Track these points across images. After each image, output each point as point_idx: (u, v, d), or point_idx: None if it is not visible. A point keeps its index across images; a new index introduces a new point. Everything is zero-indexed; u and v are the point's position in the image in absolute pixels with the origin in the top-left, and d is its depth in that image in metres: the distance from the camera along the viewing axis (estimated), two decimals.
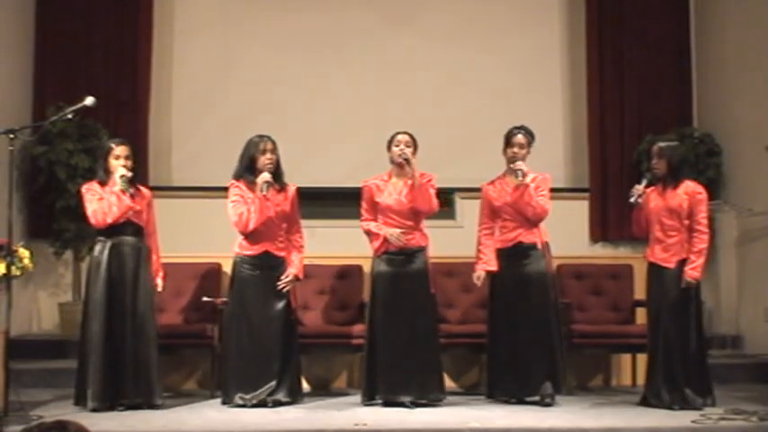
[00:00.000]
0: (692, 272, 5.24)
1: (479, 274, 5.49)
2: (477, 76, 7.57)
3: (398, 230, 5.36)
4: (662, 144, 5.49)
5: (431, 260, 5.62)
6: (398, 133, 5.48)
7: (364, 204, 5.52)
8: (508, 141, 5.48)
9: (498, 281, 5.48)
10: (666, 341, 5.23)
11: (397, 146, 5.43)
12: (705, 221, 5.35)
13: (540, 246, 5.46)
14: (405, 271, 5.38)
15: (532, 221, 5.46)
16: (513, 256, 5.45)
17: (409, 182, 5.41)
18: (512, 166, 5.42)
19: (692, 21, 7.69)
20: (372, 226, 5.46)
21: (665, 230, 5.33)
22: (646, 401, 5.31)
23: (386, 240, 5.39)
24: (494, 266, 5.45)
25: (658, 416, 5.00)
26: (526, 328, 5.35)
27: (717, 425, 4.76)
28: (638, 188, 5.34)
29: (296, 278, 5.42)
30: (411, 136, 5.47)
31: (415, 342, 5.30)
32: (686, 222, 5.31)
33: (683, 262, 5.28)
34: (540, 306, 5.40)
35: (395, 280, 5.38)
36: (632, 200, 5.33)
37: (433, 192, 5.44)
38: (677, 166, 5.39)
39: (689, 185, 5.40)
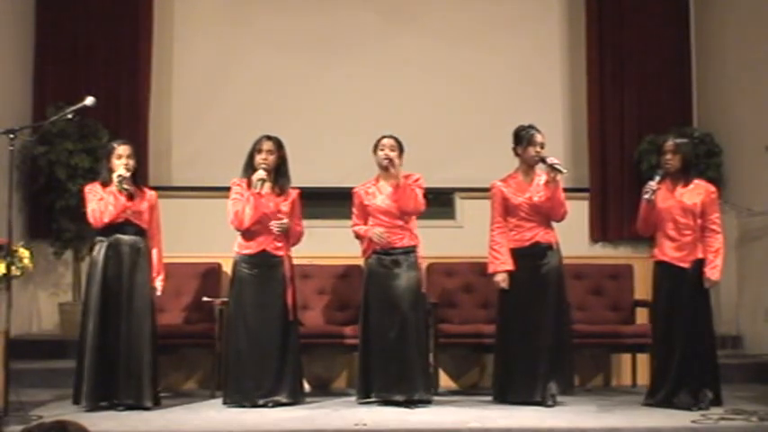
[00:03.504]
0: (714, 272, 5.22)
1: (503, 276, 5.38)
2: (477, 76, 7.56)
3: (381, 229, 5.38)
4: (677, 140, 5.42)
5: (429, 260, 5.62)
6: (383, 137, 5.51)
7: (355, 210, 5.58)
8: (529, 141, 5.40)
9: (513, 281, 5.39)
10: (682, 342, 5.18)
11: (381, 150, 5.46)
12: (719, 221, 5.33)
13: (555, 245, 5.44)
14: (395, 271, 5.39)
15: (556, 220, 5.45)
16: (530, 256, 5.39)
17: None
18: (548, 160, 5.34)
19: (691, 21, 7.68)
20: (361, 229, 5.51)
21: (680, 229, 5.26)
22: (653, 403, 5.25)
23: (371, 242, 5.42)
24: (511, 266, 5.39)
25: (658, 416, 5.00)
26: (543, 330, 5.30)
27: (717, 425, 4.75)
28: (652, 184, 5.25)
29: (284, 227, 5.38)
30: (396, 140, 5.50)
31: (405, 341, 5.31)
32: (699, 221, 5.28)
33: (697, 262, 5.24)
34: (557, 307, 5.36)
35: (385, 280, 5.39)
36: (647, 196, 5.24)
37: (419, 192, 5.45)
38: (690, 162, 5.37)
39: (701, 184, 5.37)
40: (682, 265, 5.25)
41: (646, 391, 5.42)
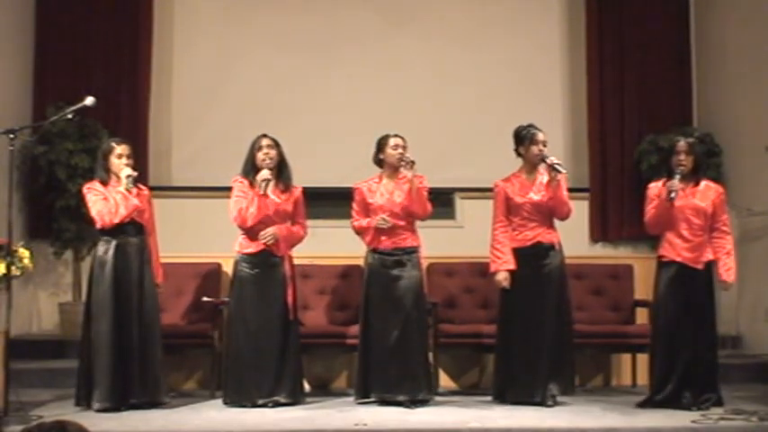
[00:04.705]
0: (730, 274, 5.23)
1: (505, 275, 5.37)
2: (477, 76, 7.56)
3: (384, 215, 5.37)
4: (690, 140, 5.39)
5: (429, 260, 5.61)
6: (392, 136, 5.51)
7: (355, 206, 5.57)
8: (531, 140, 5.39)
9: (515, 281, 5.38)
10: (689, 343, 5.16)
11: (394, 149, 5.45)
12: (728, 222, 5.34)
13: (557, 245, 5.43)
14: (397, 271, 5.39)
15: (560, 219, 5.44)
16: (532, 255, 5.38)
17: (403, 183, 5.43)
18: (548, 161, 5.32)
19: (692, 21, 7.68)
20: (363, 222, 5.50)
21: (693, 230, 5.22)
22: (655, 404, 5.20)
23: (376, 232, 5.41)
24: (513, 265, 5.38)
25: (658, 416, 5.00)
26: (544, 330, 5.29)
27: (717, 425, 4.76)
28: (676, 183, 5.16)
29: (274, 236, 5.36)
30: (404, 138, 5.50)
31: (406, 342, 5.31)
32: (708, 222, 5.27)
33: (707, 264, 5.24)
34: (558, 307, 5.36)
35: (387, 280, 5.39)
36: (673, 195, 5.14)
37: (426, 194, 5.47)
38: (701, 163, 5.36)
39: (710, 185, 5.35)
40: (695, 266, 5.22)
41: (648, 394, 5.33)
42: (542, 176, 5.43)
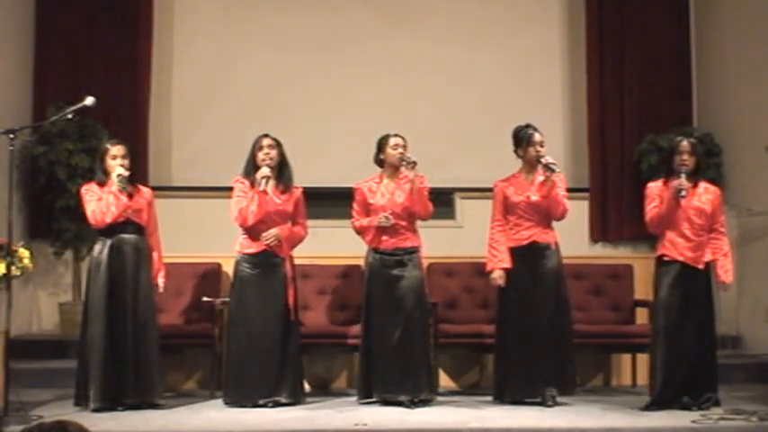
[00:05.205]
0: (729, 275, 5.24)
1: (500, 273, 5.39)
2: (477, 76, 7.56)
3: (385, 213, 5.37)
4: (692, 140, 5.38)
5: (428, 260, 5.61)
6: (392, 136, 5.51)
7: (356, 206, 5.57)
8: (528, 141, 5.40)
9: (511, 280, 5.40)
10: (692, 343, 5.15)
11: (395, 149, 5.46)
12: (725, 223, 5.36)
13: (553, 245, 5.44)
14: (398, 271, 5.39)
15: (556, 219, 5.44)
16: (528, 255, 5.39)
17: (404, 183, 5.43)
18: (543, 160, 5.32)
19: (692, 21, 7.68)
20: (364, 221, 5.50)
21: (696, 229, 5.23)
22: (656, 405, 5.16)
23: (377, 232, 5.41)
24: (509, 264, 5.39)
25: (658, 416, 5.00)
26: (542, 329, 5.30)
27: (717, 425, 4.76)
28: (684, 183, 5.13)
29: (277, 237, 5.37)
30: (404, 138, 5.50)
31: (408, 342, 5.32)
32: (708, 222, 5.27)
33: (707, 264, 5.24)
34: (556, 306, 5.36)
35: (389, 280, 5.39)
36: (683, 194, 5.12)
37: (426, 194, 5.47)
38: (702, 164, 5.36)
39: (709, 187, 5.35)
40: (697, 266, 5.22)
41: (651, 396, 5.26)
42: (541, 177, 5.44)
